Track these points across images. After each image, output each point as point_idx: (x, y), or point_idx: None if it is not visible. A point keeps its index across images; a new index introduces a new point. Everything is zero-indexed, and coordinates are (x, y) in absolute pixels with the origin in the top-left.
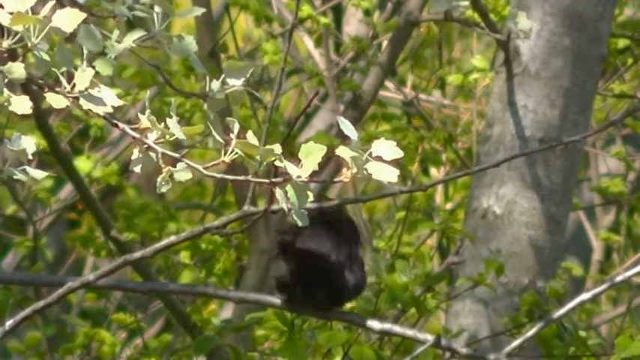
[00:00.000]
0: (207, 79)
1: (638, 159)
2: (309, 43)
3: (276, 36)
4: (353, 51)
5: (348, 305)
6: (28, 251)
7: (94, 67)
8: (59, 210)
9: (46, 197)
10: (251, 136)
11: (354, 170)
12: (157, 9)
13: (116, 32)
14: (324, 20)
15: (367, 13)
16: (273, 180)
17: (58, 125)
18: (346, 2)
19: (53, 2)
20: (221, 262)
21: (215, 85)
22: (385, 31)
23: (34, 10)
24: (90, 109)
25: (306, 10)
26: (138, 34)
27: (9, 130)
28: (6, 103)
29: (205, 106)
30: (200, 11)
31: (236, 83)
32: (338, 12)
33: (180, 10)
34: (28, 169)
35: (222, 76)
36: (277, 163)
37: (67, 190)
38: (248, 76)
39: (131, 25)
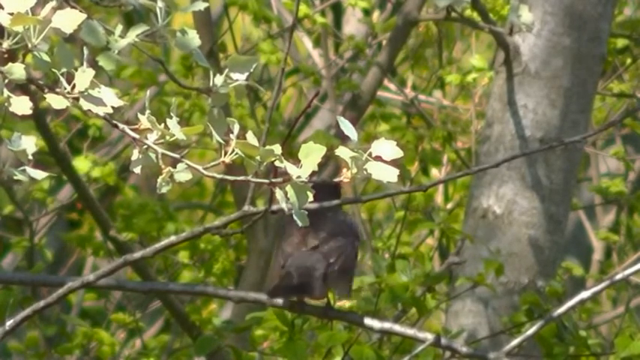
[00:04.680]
0: (211, 73)
1: (638, 159)
2: (308, 43)
3: (275, 36)
4: (350, 50)
5: (348, 305)
6: (26, 251)
7: (94, 67)
8: (56, 210)
9: (43, 197)
10: (251, 137)
11: (354, 170)
12: (159, 3)
13: (119, 27)
14: (321, 20)
15: (367, 12)
16: (273, 180)
17: (56, 125)
18: (346, 2)
19: (53, 3)
20: (220, 262)
21: (219, 79)
22: (384, 30)
23: (34, 11)
24: (90, 110)
25: (303, 9)
26: (141, 28)
27: (6, 130)
28: (6, 104)
29: (209, 101)
30: (203, 5)
31: (240, 78)
32: (338, 12)
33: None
34: (28, 169)
35: (227, 70)
36: (277, 163)
37: (67, 190)
38: (252, 70)
39: (131, 22)
